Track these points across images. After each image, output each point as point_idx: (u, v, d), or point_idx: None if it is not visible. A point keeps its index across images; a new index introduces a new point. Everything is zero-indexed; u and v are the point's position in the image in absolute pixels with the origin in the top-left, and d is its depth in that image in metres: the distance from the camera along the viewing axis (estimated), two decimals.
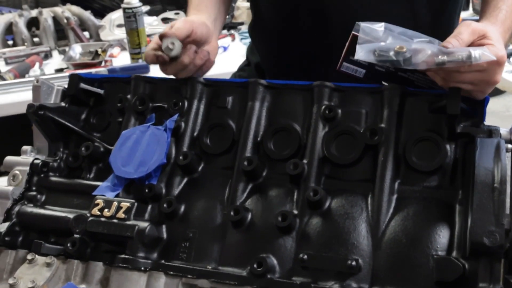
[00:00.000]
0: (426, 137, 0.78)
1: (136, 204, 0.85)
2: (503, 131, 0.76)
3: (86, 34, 2.70)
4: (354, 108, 0.84)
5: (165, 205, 0.84)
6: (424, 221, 0.75)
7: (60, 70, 2.29)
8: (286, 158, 0.84)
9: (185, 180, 0.88)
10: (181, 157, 0.86)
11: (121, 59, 2.41)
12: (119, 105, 0.95)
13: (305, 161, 0.82)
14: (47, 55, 2.48)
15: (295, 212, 0.80)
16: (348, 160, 0.81)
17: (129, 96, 0.96)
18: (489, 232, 0.61)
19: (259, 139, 0.87)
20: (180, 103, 0.92)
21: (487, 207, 0.62)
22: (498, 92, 2.45)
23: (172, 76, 0.96)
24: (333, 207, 0.79)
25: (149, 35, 2.59)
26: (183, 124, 0.90)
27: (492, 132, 0.75)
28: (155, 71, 2.26)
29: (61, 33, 2.69)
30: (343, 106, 0.84)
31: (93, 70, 2.13)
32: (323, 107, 0.84)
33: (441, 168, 0.77)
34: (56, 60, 2.45)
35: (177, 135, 0.90)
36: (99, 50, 2.33)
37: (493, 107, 3.52)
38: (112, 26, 2.67)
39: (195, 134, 0.90)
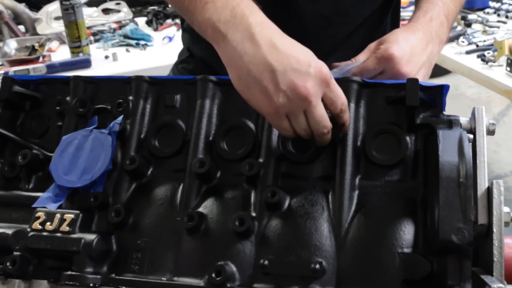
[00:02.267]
0: (385, 130, 0.75)
1: (81, 215, 0.77)
2: (463, 120, 0.73)
3: (22, 28, 2.54)
4: None
5: (113, 214, 0.77)
6: (387, 217, 0.71)
7: None
8: (241, 158, 0.78)
9: (133, 186, 0.81)
10: (128, 162, 0.79)
11: (61, 53, 2.28)
12: (57, 108, 0.87)
13: (261, 160, 0.77)
14: None
15: (253, 214, 0.74)
16: (306, 157, 0.76)
17: (68, 98, 0.87)
18: (457, 230, 0.58)
19: (211, 138, 0.81)
20: (125, 104, 0.84)
21: (453, 204, 0.58)
22: (446, 71, 2.49)
23: (114, 74, 0.88)
24: (293, 207, 0.74)
25: (89, 27, 2.47)
26: (128, 126, 0.83)
27: (452, 122, 0.72)
28: (97, 65, 2.16)
29: None
30: None
31: (30, 67, 1.99)
32: None
33: (402, 161, 0.74)
34: None
35: (123, 138, 0.83)
36: (36, 45, 2.19)
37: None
38: (49, 19, 2.51)
39: (142, 136, 0.83)
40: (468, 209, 0.58)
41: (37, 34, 2.41)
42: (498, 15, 2.52)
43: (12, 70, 1.97)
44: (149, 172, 0.81)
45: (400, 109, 0.75)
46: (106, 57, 2.17)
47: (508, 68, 1.85)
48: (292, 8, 0.79)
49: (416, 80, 0.71)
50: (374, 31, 1.05)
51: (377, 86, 0.77)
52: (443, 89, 0.74)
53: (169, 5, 2.80)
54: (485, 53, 2.01)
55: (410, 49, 0.82)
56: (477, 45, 2.13)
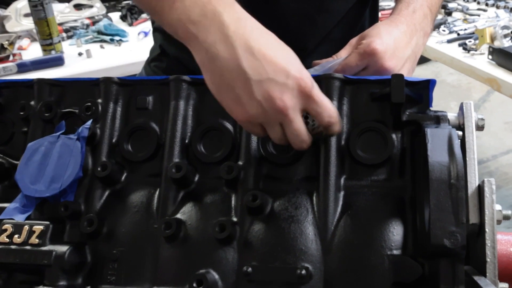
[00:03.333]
0: (370, 127, 0.72)
1: (51, 226, 0.73)
2: (451, 116, 0.70)
3: None
4: None
5: (85, 224, 0.73)
6: (375, 218, 0.69)
7: None
8: (220, 161, 0.74)
9: (106, 193, 0.77)
10: (99, 168, 0.75)
11: (32, 51, 2.21)
12: (22, 113, 0.82)
13: (240, 162, 0.73)
14: None
15: (234, 219, 0.71)
16: (288, 159, 0.73)
17: (33, 103, 0.82)
18: (449, 233, 0.55)
19: (187, 141, 0.77)
20: (94, 107, 0.79)
21: (445, 206, 0.56)
22: (426, 59, 2.48)
23: (89, 71, 0.83)
24: (276, 211, 0.71)
25: (60, 24, 2.40)
26: (98, 131, 0.79)
27: (439, 118, 0.69)
28: (70, 63, 2.10)
29: None
30: None
31: None
32: None
33: (388, 160, 0.71)
34: None
35: (93, 143, 0.78)
36: (5, 44, 2.11)
37: (423, 74, 3.60)
38: (18, 15, 2.43)
39: (114, 140, 0.79)
40: (460, 211, 0.55)
41: (6, 32, 2.33)
42: (478, 3, 2.51)
43: None
44: (123, 178, 0.77)
45: (385, 105, 0.72)
46: (80, 54, 2.11)
47: (490, 57, 1.84)
48: (273, 7, 0.75)
49: (401, 76, 0.68)
50: (353, 25, 1.02)
51: (361, 83, 0.74)
52: (430, 84, 0.71)
53: None
54: (467, 41, 1.99)
55: (393, 43, 0.79)
56: (458, 34, 2.11)
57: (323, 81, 0.73)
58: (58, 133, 0.78)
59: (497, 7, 2.43)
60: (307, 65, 0.75)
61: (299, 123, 0.64)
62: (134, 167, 0.78)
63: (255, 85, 0.60)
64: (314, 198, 0.71)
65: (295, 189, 0.72)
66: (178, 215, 0.73)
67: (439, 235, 0.55)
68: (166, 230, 0.70)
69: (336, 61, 0.81)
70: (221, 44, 0.61)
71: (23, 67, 1.93)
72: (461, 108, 0.71)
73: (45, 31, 2.07)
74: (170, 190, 0.74)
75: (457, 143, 0.60)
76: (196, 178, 0.75)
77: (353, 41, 0.83)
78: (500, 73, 1.77)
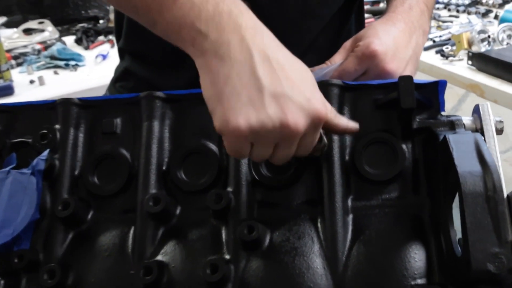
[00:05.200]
0: (376, 138, 0.64)
1: (2, 281, 0.62)
2: (466, 120, 0.64)
3: None
4: None
5: (45, 276, 0.62)
6: (391, 242, 0.61)
7: None
8: (205, 189, 0.65)
9: (70, 236, 0.66)
10: (60, 207, 0.65)
11: None
12: None
13: (230, 189, 0.64)
14: None
15: (227, 257, 0.62)
16: (285, 180, 0.64)
17: None
18: (493, 256, 0.47)
19: (164, 168, 0.67)
20: (51, 135, 0.69)
21: (484, 224, 0.48)
22: None
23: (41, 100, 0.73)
24: (276, 243, 0.62)
25: (9, 51, 2.27)
26: (57, 162, 0.69)
27: (454, 123, 0.62)
28: (21, 91, 1.97)
29: None
30: None
31: None
32: None
33: (400, 174, 0.63)
34: None
35: (52, 178, 0.68)
36: None
37: None
38: None
39: (76, 172, 0.69)
40: (502, 228, 0.48)
41: None
42: (449, 10, 2.52)
43: None
44: (90, 216, 0.67)
45: (391, 113, 0.65)
46: (32, 81, 1.99)
47: (470, 62, 1.81)
48: (254, 11, 0.68)
49: (409, 78, 0.61)
50: (340, 31, 0.95)
51: (362, 88, 0.66)
52: (439, 86, 0.64)
53: (107, 17, 2.64)
54: (444, 48, 1.97)
55: (393, 43, 0.72)
56: (434, 41, 2.09)
57: (319, 88, 0.66)
58: (7, 168, 0.67)
59: (469, 13, 2.43)
60: None
61: (294, 147, 0.57)
62: (103, 203, 0.68)
63: (268, 97, 0.52)
64: (319, 225, 0.62)
65: (296, 216, 0.63)
66: (159, 257, 0.63)
67: (481, 259, 0.47)
68: (146, 276, 0.60)
69: (330, 67, 0.73)
70: (236, 45, 0.54)
71: None
72: (476, 110, 0.65)
73: None
74: (148, 227, 0.64)
75: (486, 150, 0.53)
76: (178, 211, 0.66)
77: (347, 44, 0.76)
78: (482, 78, 1.74)
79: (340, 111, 0.66)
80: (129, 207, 0.66)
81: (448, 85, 0.67)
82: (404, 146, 0.64)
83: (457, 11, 2.49)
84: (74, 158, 0.69)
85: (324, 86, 0.66)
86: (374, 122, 0.66)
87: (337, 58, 0.74)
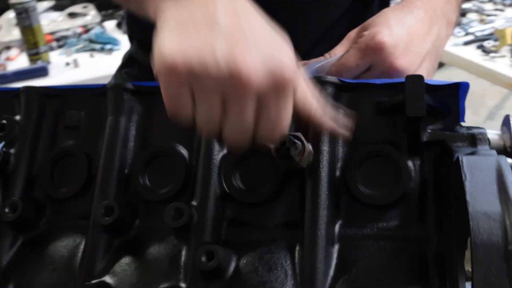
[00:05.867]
0: (376, 151, 0.49)
1: None
2: (493, 134, 0.47)
3: None
4: None
5: None
6: (384, 284, 0.46)
7: None
8: (169, 198, 0.52)
9: (19, 241, 0.55)
10: (6, 209, 0.53)
11: (20, 61, 2.02)
12: None
13: (194, 202, 0.51)
14: None
15: (183, 286, 0.48)
16: (261, 196, 0.50)
17: None
18: None
19: (127, 171, 0.55)
20: (9, 125, 0.58)
21: None
22: (440, 64, 2.23)
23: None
24: (242, 274, 0.48)
25: (52, 33, 2.21)
26: (13, 157, 0.57)
27: (476, 138, 0.46)
28: (56, 73, 1.90)
29: None
30: None
31: None
32: None
33: (403, 198, 0.48)
34: None
35: (5, 175, 0.57)
36: None
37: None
38: (10, 25, 2.25)
39: (33, 170, 0.57)
40: None
41: None
42: (494, 3, 2.26)
43: None
44: (43, 221, 0.55)
45: (397, 120, 0.49)
46: (67, 63, 1.91)
47: None
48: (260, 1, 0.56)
49: (419, 78, 0.45)
50: (360, 20, 0.79)
51: (362, 88, 0.51)
52: (459, 88, 0.48)
53: None
54: (485, 43, 1.75)
55: (406, 33, 0.55)
56: (475, 36, 1.87)
57: None
58: None
59: None
60: None
61: (249, 112, 0.41)
62: (59, 206, 0.56)
63: (220, 34, 0.39)
64: (297, 254, 0.48)
65: (270, 241, 0.49)
66: (107, 278, 0.50)
67: None
68: None
69: (327, 60, 0.58)
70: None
71: (4, 78, 1.73)
72: (506, 123, 0.48)
73: (30, 40, 1.87)
74: (100, 240, 0.52)
75: (511, 180, 0.37)
76: (137, 223, 0.53)
77: (353, 33, 0.60)
78: None
79: None
80: (87, 213, 0.54)
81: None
82: (410, 163, 0.48)
83: (503, 4, 2.23)
84: (33, 153, 0.57)
85: (315, 83, 0.50)
86: (374, 131, 0.50)
87: (339, 50, 0.59)
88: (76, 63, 1.88)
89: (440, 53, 0.60)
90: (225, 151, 0.52)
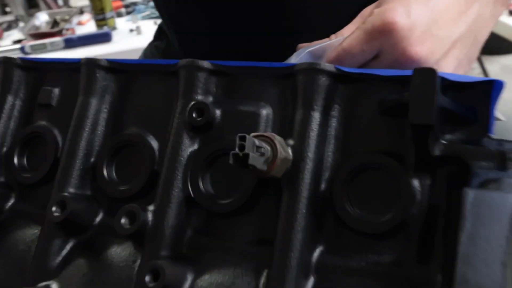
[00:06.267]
0: (372, 163, 0.37)
1: None
2: None
3: (61, 0, 2.32)
4: (245, 106, 0.42)
5: None
6: None
7: (18, 42, 1.91)
8: (132, 197, 0.43)
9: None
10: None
11: (90, 26, 2.03)
12: None
13: (152, 207, 0.41)
14: (10, 25, 2.10)
15: None
16: (232, 205, 0.40)
17: None
18: None
19: (93, 160, 0.46)
20: None
21: None
22: (506, 48, 1.94)
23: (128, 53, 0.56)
24: None
25: None
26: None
27: (505, 157, 0.32)
28: (119, 39, 1.86)
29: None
30: (228, 102, 0.43)
31: (47, 41, 1.74)
32: (190, 105, 0.42)
33: (402, 226, 0.35)
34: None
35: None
36: (58, 18, 1.94)
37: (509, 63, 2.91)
38: None
39: (4, 150, 0.51)
40: None
41: (69, 6, 2.17)
42: None
43: (28, 44, 1.73)
44: (8, 206, 0.49)
45: (403, 124, 0.37)
46: (131, 30, 1.88)
47: None
48: None
49: (431, 71, 0.32)
50: None
51: (363, 80, 0.38)
52: (492, 88, 0.34)
53: None
54: None
55: (429, 12, 0.41)
56: None
57: (298, 75, 0.39)
58: None
59: None
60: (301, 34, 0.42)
61: None
62: (26, 192, 0.49)
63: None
64: (262, 280, 0.38)
65: (236, 261, 0.39)
66: (53, 283, 0.43)
67: None
68: None
69: (331, 42, 0.45)
70: None
71: (70, 42, 1.73)
72: None
73: (97, 6, 1.85)
74: (53, 237, 0.44)
75: None
76: (98, 219, 0.45)
77: (367, 10, 0.46)
78: None
79: (327, 111, 0.39)
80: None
81: None
82: (415, 182, 0.36)
83: None
84: (5, 131, 0.51)
85: (305, 71, 0.39)
86: (374, 136, 0.38)
87: (347, 31, 0.46)
88: (139, 30, 1.84)
89: (480, 38, 0.45)
90: (195, 146, 0.42)
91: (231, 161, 0.34)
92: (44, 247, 0.44)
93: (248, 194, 0.39)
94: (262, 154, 0.35)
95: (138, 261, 0.41)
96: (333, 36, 0.47)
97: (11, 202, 0.49)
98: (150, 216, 0.41)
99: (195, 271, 0.39)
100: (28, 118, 0.51)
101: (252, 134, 0.35)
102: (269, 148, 0.35)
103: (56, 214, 0.42)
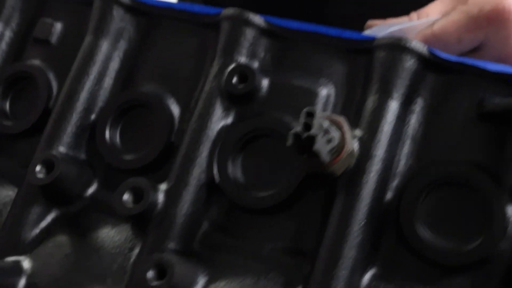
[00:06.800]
0: (457, 177, 0.29)
1: None
2: None
3: None
4: (300, 80, 0.34)
5: None
6: None
7: None
8: (135, 170, 0.35)
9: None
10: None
11: None
12: None
13: (165, 185, 0.33)
14: None
15: None
16: (265, 201, 0.32)
17: None
18: None
19: (93, 117, 0.37)
20: None
21: None
22: None
23: None
24: None
25: None
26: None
27: None
28: None
29: None
30: (278, 73, 0.34)
31: None
32: (231, 68, 0.34)
33: (486, 262, 0.28)
34: None
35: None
36: None
37: None
38: None
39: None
40: None
41: None
42: None
43: None
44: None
45: (506, 134, 0.29)
46: None
47: None
48: None
49: None
50: None
51: (463, 73, 0.30)
52: None
53: None
54: None
55: None
56: None
57: (378, 51, 0.31)
58: None
59: None
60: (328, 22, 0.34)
61: None
62: (3, 144, 0.40)
63: None
64: None
65: (262, 271, 0.31)
66: (25, 260, 0.34)
67: None
68: None
69: (412, 24, 0.37)
70: None
71: None
72: None
73: None
74: (31, 204, 0.35)
75: None
76: (91, 191, 0.36)
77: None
78: None
79: (406, 105, 0.31)
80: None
81: None
82: (511, 209, 0.28)
83: None
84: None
85: (389, 49, 0.31)
86: (464, 144, 0.30)
87: (433, 10, 0.38)
88: None
89: None
90: (229, 120, 0.34)
91: (289, 143, 0.26)
92: (18, 213, 0.35)
93: (291, 190, 0.31)
94: (329, 141, 0.27)
95: (136, 250, 0.33)
96: (413, 14, 0.39)
97: None
98: (160, 197, 0.32)
99: (208, 275, 0.31)
100: (18, 54, 0.42)
101: (320, 112, 0.27)
102: (337, 135, 0.27)
103: (39, 175, 0.33)
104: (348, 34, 0.33)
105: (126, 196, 0.31)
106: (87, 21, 0.40)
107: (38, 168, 0.34)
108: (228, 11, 0.35)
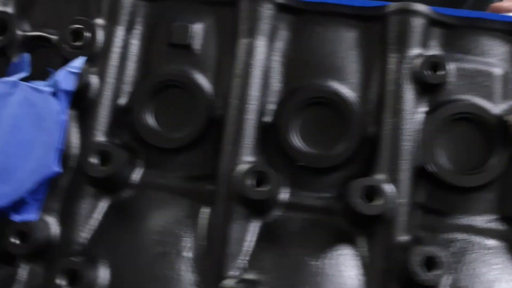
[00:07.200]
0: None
1: None
2: None
3: None
4: (472, 63, 0.36)
5: (64, 269, 0.34)
6: None
7: None
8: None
9: (104, 204, 0.37)
10: (92, 159, 0.35)
11: None
12: None
13: (381, 175, 0.35)
14: None
15: None
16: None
17: None
18: None
19: (265, 119, 0.37)
20: (89, 33, 0.38)
21: None
22: None
23: None
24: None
25: None
26: (98, 80, 0.38)
27: None
28: None
29: None
30: (451, 58, 0.37)
31: None
32: (423, 60, 0.35)
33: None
34: None
35: (84, 105, 0.38)
36: None
37: None
38: None
39: (120, 102, 0.39)
40: None
41: None
42: None
43: None
44: (136, 177, 0.38)
45: None
46: None
47: None
48: None
49: None
50: None
51: None
52: None
53: None
54: None
55: None
56: None
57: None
58: (15, 78, 0.37)
59: None
60: None
61: None
62: (160, 159, 0.38)
63: None
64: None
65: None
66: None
67: None
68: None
69: None
70: None
71: None
72: None
73: None
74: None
75: None
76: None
77: None
78: None
79: None
80: (200, 173, 0.37)
81: None
82: None
83: None
84: (121, 77, 0.39)
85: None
86: None
87: None
88: None
89: None
90: (425, 108, 0.36)
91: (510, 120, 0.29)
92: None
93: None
94: None
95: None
96: None
97: (140, 171, 0.38)
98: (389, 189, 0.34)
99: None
100: (149, 61, 0.39)
101: None
102: None
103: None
104: (504, 17, 0.36)
105: (361, 192, 0.33)
106: (225, 21, 0.38)
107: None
108: (394, 5, 0.36)
